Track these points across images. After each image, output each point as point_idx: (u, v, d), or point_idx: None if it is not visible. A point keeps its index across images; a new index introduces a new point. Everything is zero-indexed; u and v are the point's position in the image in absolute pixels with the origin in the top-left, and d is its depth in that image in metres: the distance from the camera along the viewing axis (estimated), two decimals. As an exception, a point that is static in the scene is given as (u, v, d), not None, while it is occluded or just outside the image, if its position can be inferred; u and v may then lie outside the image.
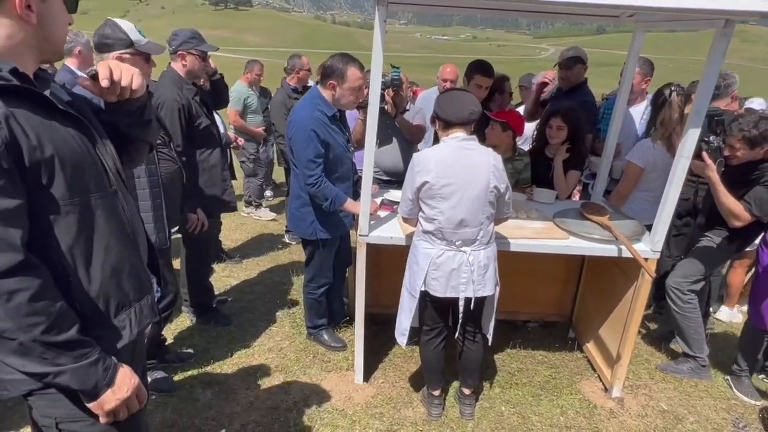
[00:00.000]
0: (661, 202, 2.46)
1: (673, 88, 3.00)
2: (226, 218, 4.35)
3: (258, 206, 5.70)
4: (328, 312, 3.16)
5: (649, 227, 2.58)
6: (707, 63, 2.19)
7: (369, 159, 2.37)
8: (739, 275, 3.77)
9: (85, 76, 1.20)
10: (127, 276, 1.21)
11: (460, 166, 2.12)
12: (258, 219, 5.59)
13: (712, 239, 2.87)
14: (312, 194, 2.65)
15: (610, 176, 3.33)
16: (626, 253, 2.49)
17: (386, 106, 3.21)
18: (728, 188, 2.63)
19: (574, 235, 2.60)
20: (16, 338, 0.98)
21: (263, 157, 5.61)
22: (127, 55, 2.11)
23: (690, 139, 2.28)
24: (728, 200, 2.63)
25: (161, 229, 2.38)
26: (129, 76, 1.20)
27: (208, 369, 2.86)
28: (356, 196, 2.80)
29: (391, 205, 2.91)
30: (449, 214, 2.13)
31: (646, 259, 2.46)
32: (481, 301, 2.32)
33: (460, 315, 2.27)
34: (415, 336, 2.51)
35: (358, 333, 2.70)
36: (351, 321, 3.20)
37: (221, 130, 3.57)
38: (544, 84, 3.83)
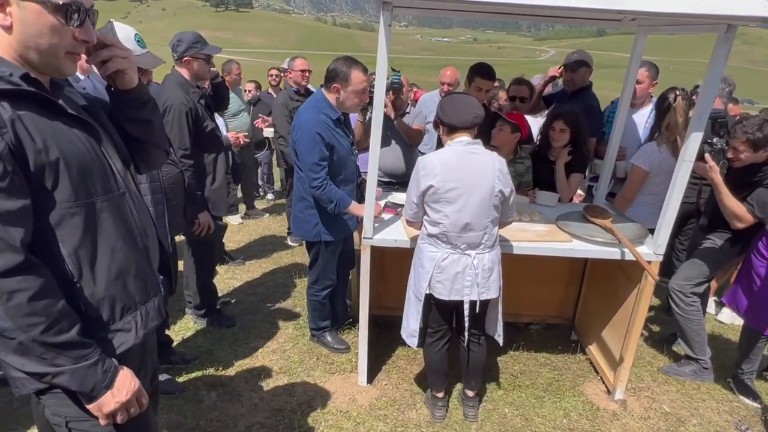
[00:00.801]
0: (663, 205, 2.47)
1: (678, 93, 3.01)
2: (227, 220, 4.38)
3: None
4: (332, 314, 3.17)
5: (653, 231, 2.59)
6: (709, 67, 2.20)
7: (373, 162, 2.38)
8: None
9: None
10: (133, 278, 1.21)
11: (466, 170, 2.13)
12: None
13: (715, 241, 2.88)
14: (317, 197, 2.67)
15: (615, 176, 3.34)
16: (629, 256, 2.50)
17: (386, 109, 3.23)
18: (731, 190, 2.64)
19: (577, 238, 2.62)
20: (16, 337, 0.99)
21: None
22: None
23: (692, 142, 2.29)
24: (731, 202, 2.64)
25: (164, 235, 2.39)
26: (116, 60, 1.20)
27: (213, 370, 2.88)
28: (360, 198, 2.82)
29: (394, 207, 2.92)
30: (454, 218, 2.14)
31: (649, 262, 2.47)
32: (485, 304, 2.33)
33: (466, 318, 2.28)
34: (419, 337, 2.52)
35: (362, 335, 2.71)
36: (354, 323, 3.21)
37: (223, 132, 3.59)
38: (553, 78, 3.86)
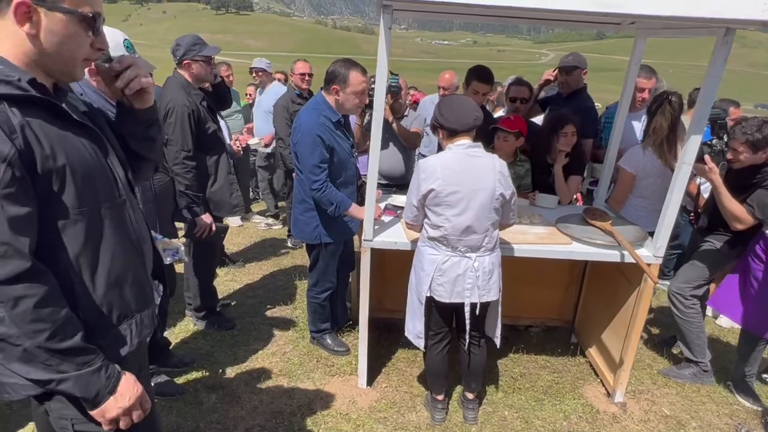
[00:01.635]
0: (663, 207, 2.47)
1: (670, 97, 2.98)
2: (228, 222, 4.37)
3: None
4: (331, 316, 3.17)
5: (651, 234, 2.59)
6: (708, 70, 2.21)
7: (373, 164, 2.39)
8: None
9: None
10: (130, 286, 1.22)
11: (467, 174, 2.13)
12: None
13: (714, 243, 2.89)
14: (317, 199, 2.67)
15: (615, 179, 3.34)
16: (629, 259, 2.50)
17: (384, 112, 3.24)
18: (731, 192, 2.65)
19: (577, 241, 2.62)
20: (21, 344, 0.99)
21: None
22: None
23: (692, 145, 2.29)
24: (731, 203, 2.64)
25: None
26: (140, 79, 1.22)
27: (212, 373, 2.88)
28: (360, 200, 2.82)
29: (394, 210, 2.93)
30: (455, 222, 2.14)
31: (648, 265, 2.48)
32: (485, 306, 2.33)
33: (467, 320, 2.28)
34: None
35: (362, 337, 2.71)
36: (354, 325, 3.21)
37: (225, 134, 3.59)
38: (548, 81, 3.86)
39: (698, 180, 3.28)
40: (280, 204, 6.13)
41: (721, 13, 1.95)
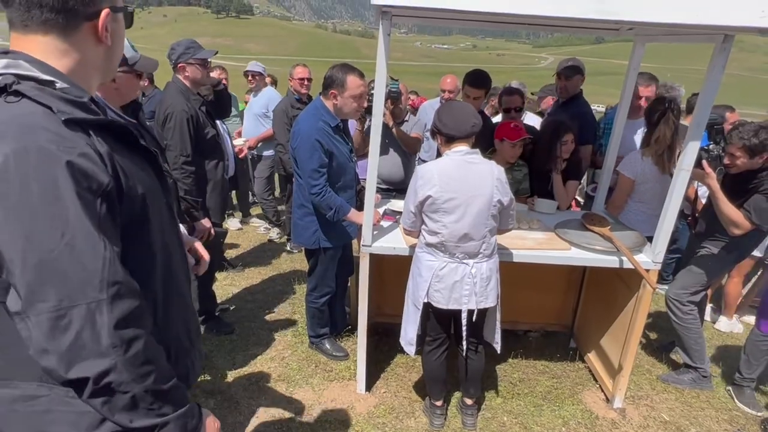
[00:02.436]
0: (662, 213, 2.48)
1: (667, 105, 2.96)
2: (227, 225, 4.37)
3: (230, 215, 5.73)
4: (330, 321, 3.17)
5: (650, 239, 2.59)
6: (707, 76, 2.21)
7: (372, 169, 2.39)
8: (736, 285, 3.77)
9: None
10: (183, 322, 1.15)
11: (464, 181, 2.13)
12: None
13: (711, 249, 2.89)
14: (316, 204, 2.67)
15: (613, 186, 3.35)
16: (627, 264, 2.50)
17: (384, 117, 3.24)
18: (728, 197, 2.65)
19: (575, 246, 2.62)
20: (129, 390, 0.88)
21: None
22: (120, 73, 2.02)
23: (690, 151, 2.30)
24: (728, 208, 2.65)
25: None
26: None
27: (211, 377, 2.87)
28: (359, 205, 2.82)
29: (393, 215, 2.93)
30: (453, 228, 2.14)
31: (647, 270, 2.48)
32: (483, 313, 2.33)
33: (464, 327, 2.28)
34: (417, 345, 2.51)
35: (360, 342, 2.71)
36: (353, 330, 3.21)
37: (226, 138, 3.60)
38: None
39: (696, 184, 3.29)
40: (279, 207, 6.14)
41: (720, 20, 1.96)
